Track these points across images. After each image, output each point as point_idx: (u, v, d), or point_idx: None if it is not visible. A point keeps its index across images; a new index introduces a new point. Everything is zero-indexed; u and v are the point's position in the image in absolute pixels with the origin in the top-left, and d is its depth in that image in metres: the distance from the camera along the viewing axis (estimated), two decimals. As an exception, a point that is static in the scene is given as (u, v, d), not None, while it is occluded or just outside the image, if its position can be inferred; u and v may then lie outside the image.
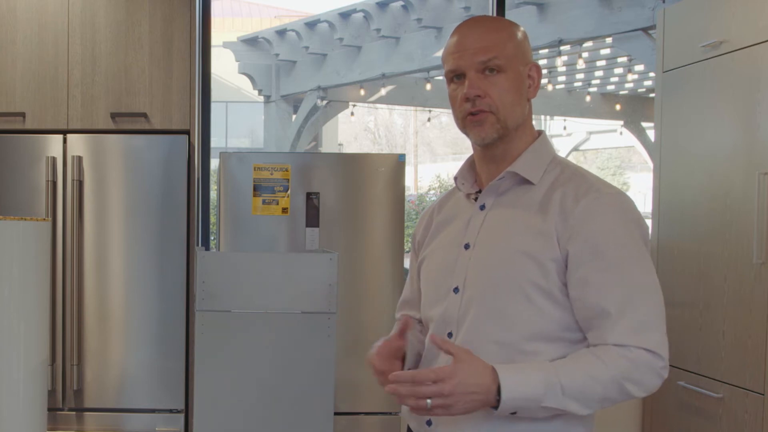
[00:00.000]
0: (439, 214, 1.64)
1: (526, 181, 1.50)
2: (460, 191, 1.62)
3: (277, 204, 3.00)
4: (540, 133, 1.56)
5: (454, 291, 1.51)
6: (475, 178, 1.59)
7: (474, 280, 1.49)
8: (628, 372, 1.36)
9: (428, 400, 1.31)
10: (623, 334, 1.37)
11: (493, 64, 1.45)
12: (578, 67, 11.10)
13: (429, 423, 1.51)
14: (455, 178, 1.62)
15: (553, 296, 1.43)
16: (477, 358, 1.36)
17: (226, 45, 12.42)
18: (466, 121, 1.49)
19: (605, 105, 14.08)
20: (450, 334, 1.51)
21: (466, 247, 1.52)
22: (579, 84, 13.35)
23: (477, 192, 1.57)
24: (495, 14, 3.68)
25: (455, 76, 1.50)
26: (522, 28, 1.53)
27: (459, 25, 1.54)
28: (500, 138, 1.49)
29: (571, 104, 13.94)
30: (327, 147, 14.82)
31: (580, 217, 1.41)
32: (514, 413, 1.36)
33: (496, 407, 1.34)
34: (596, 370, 1.36)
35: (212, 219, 4.00)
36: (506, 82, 1.46)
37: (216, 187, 3.40)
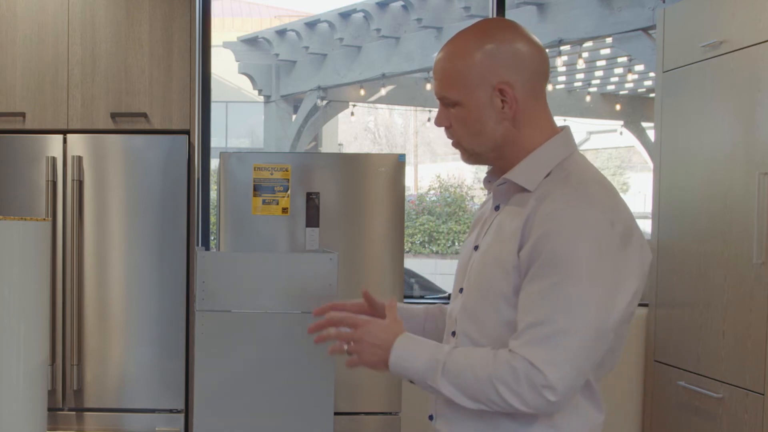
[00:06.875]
0: (478, 213, 1.65)
1: (524, 188, 1.46)
2: None
3: (277, 204, 3.00)
4: (555, 133, 1.47)
5: (459, 291, 1.54)
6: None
7: (469, 284, 1.51)
8: (505, 377, 1.33)
9: (345, 346, 1.48)
10: (521, 342, 1.34)
11: (446, 101, 1.47)
12: (578, 67, 11.08)
13: (431, 417, 1.55)
14: (486, 174, 1.60)
15: (515, 305, 1.40)
16: (396, 321, 1.48)
17: (226, 45, 12.39)
18: None
19: (605, 105, 14.06)
20: (453, 333, 1.53)
21: (476, 249, 1.53)
22: (579, 84, 13.33)
23: None
24: (495, 14, 3.68)
25: None
26: (489, 44, 1.42)
27: None
28: (477, 160, 1.51)
29: (571, 104, 13.92)
30: (327, 147, 14.79)
31: (536, 224, 1.36)
32: (413, 383, 1.44)
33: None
34: (480, 364, 1.36)
35: (212, 219, 4.00)
36: (462, 114, 1.45)
37: (216, 187, 3.40)
